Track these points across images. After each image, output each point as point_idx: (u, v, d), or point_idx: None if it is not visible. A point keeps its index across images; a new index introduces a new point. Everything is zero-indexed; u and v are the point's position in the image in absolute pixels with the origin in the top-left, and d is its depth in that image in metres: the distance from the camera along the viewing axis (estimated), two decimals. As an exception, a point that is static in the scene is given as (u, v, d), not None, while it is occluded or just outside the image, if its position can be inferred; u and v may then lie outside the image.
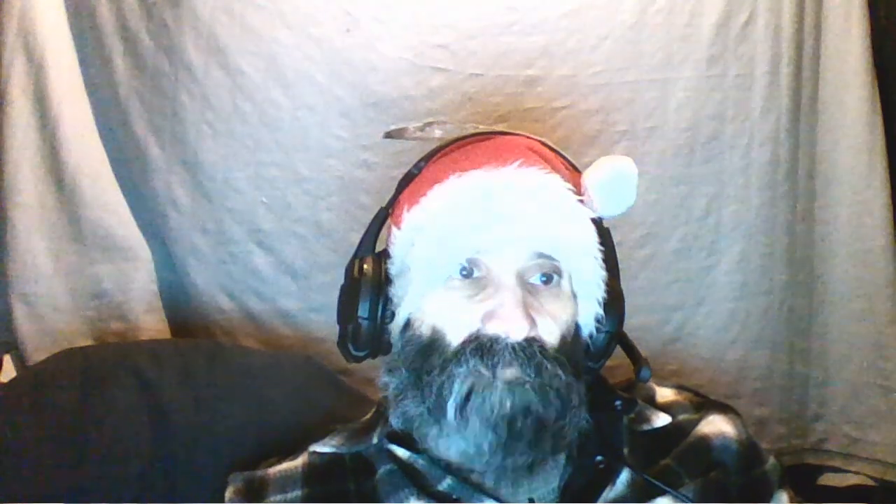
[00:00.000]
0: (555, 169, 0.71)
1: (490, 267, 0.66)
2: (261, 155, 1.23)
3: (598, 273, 0.70)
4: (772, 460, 0.77)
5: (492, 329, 0.64)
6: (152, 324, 1.21)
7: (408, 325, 0.70)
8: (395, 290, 0.71)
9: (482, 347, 0.64)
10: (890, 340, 1.29)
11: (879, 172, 1.29)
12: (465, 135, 0.75)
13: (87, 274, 1.18)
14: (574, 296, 0.70)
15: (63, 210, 1.17)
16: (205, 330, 1.24)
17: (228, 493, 0.75)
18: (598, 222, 0.72)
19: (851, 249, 1.31)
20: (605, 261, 0.72)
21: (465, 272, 0.67)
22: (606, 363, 0.74)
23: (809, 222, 1.33)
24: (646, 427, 0.74)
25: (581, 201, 0.69)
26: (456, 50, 1.23)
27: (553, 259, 0.67)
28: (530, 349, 0.64)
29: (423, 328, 0.68)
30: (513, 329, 0.63)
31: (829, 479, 1.34)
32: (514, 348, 0.63)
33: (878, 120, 1.29)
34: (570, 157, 0.77)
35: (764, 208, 1.30)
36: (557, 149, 0.76)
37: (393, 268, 0.72)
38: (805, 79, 1.30)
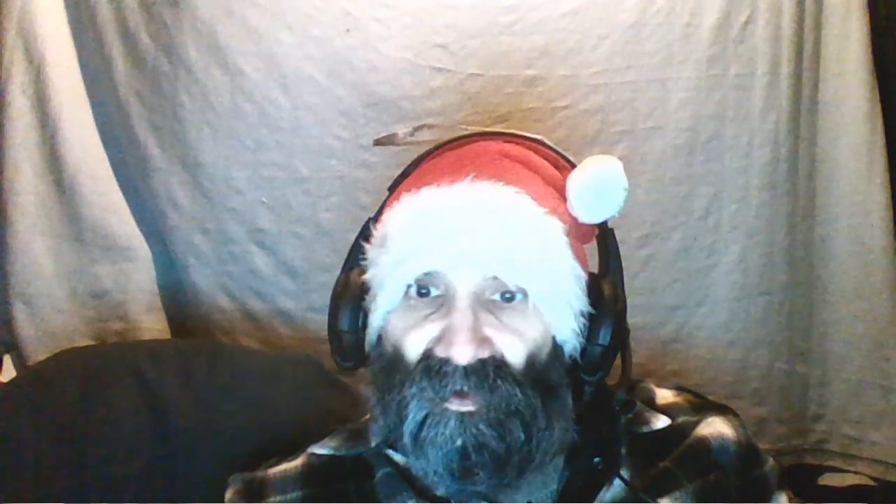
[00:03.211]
0: (522, 178, 0.67)
1: (447, 285, 0.64)
2: (261, 155, 1.23)
3: (569, 288, 0.65)
4: (771, 462, 0.76)
5: (441, 351, 0.62)
6: (152, 324, 1.21)
7: (379, 340, 0.68)
8: (368, 304, 0.69)
9: (431, 369, 0.62)
10: (890, 340, 1.30)
11: (879, 172, 1.29)
12: (448, 139, 0.73)
13: (87, 274, 1.18)
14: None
15: (63, 210, 1.17)
16: (205, 330, 1.24)
17: (228, 495, 0.75)
18: (602, 225, 0.70)
19: (851, 249, 1.31)
20: (608, 264, 0.70)
21: (423, 290, 0.65)
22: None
23: (809, 222, 1.33)
24: (645, 429, 0.73)
25: (547, 213, 0.65)
26: (456, 50, 1.23)
27: (506, 283, 0.63)
28: (483, 370, 0.61)
29: (388, 346, 0.66)
30: (456, 353, 0.60)
31: (829, 479, 1.34)
32: (465, 370, 0.61)
33: (878, 120, 1.28)
34: (568, 156, 0.74)
35: (764, 208, 1.30)
36: (552, 147, 0.74)
37: (368, 281, 0.70)
38: (805, 79, 1.30)
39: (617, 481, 0.68)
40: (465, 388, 0.61)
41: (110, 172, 1.21)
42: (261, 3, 1.20)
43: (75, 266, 1.18)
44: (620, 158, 1.26)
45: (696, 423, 0.74)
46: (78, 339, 1.16)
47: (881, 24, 1.30)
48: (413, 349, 0.64)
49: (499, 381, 0.61)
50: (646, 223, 1.29)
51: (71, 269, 1.18)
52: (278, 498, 0.72)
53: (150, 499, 0.88)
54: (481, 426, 0.61)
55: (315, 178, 1.24)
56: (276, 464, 0.76)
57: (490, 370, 0.61)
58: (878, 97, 1.28)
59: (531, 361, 0.63)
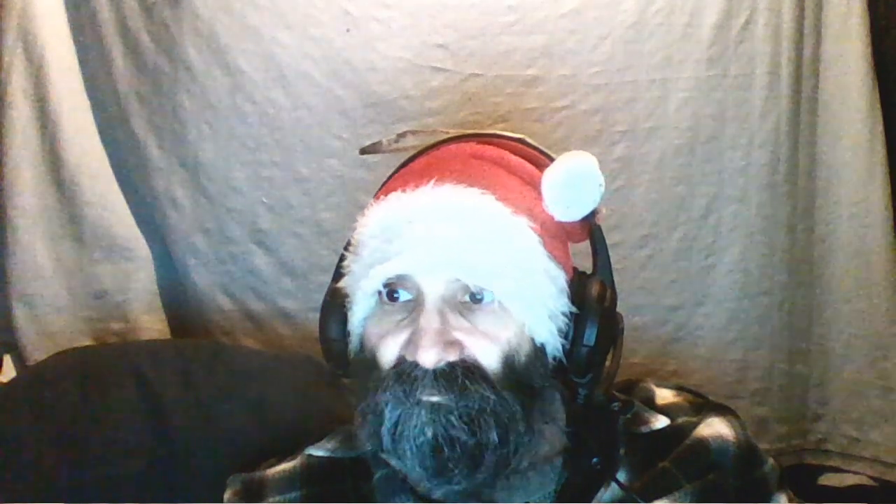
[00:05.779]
0: (491, 178, 0.66)
1: (417, 289, 0.63)
2: (261, 155, 1.23)
3: (542, 288, 0.64)
4: (770, 462, 0.76)
5: (410, 356, 0.62)
6: (152, 324, 1.21)
7: (361, 346, 0.68)
8: (347, 311, 0.69)
9: (402, 373, 0.62)
10: (890, 340, 1.30)
11: (879, 172, 1.29)
12: (428, 145, 0.73)
13: (87, 274, 1.18)
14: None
15: (63, 210, 1.18)
16: (205, 330, 1.24)
17: (227, 495, 0.75)
18: (589, 222, 0.69)
19: (851, 249, 1.31)
20: (596, 263, 0.69)
21: (395, 295, 0.64)
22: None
23: (809, 222, 1.33)
24: (644, 429, 0.73)
25: (515, 213, 0.64)
26: (456, 50, 1.23)
27: (470, 285, 0.63)
28: (451, 373, 0.61)
29: (367, 352, 0.66)
30: (422, 356, 0.60)
31: (829, 479, 1.34)
32: (435, 374, 0.60)
33: (878, 120, 1.28)
34: (550, 154, 0.71)
35: (764, 208, 1.30)
36: (534, 146, 0.72)
37: (345, 289, 0.70)
38: (805, 79, 1.30)
39: (614, 483, 0.68)
40: (436, 391, 0.61)
41: (110, 172, 1.21)
42: (261, 3, 1.20)
43: (75, 266, 1.18)
44: (620, 158, 1.30)
45: (696, 424, 0.74)
46: (78, 339, 1.16)
47: (881, 24, 1.30)
48: (387, 356, 0.64)
49: (468, 384, 0.61)
50: (646, 223, 1.29)
51: (71, 269, 1.18)
52: (277, 498, 0.72)
53: (149, 499, 0.88)
54: (452, 417, 0.60)
55: (315, 178, 1.24)
56: (275, 464, 0.76)
57: (458, 373, 0.61)
58: (878, 97, 1.28)
59: (508, 363, 0.63)
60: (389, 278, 0.64)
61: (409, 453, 0.61)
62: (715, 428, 0.73)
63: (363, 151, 0.81)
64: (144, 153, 1.21)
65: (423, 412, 0.61)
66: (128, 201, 1.22)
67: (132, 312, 1.20)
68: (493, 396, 0.61)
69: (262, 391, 0.98)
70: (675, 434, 0.73)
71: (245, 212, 1.24)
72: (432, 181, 0.65)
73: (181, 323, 1.25)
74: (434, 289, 0.63)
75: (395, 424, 0.62)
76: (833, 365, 1.33)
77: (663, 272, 1.30)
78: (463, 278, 0.62)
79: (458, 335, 0.62)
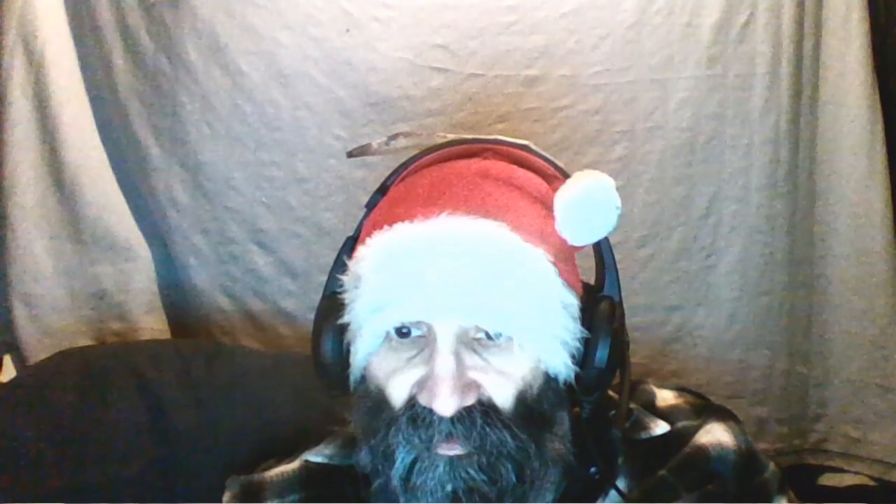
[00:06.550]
0: (503, 203, 0.63)
1: (429, 327, 0.61)
2: (261, 155, 1.23)
3: (558, 321, 0.62)
4: (771, 466, 0.75)
5: (424, 400, 0.59)
6: (152, 324, 1.21)
7: (363, 378, 0.66)
8: (349, 340, 0.66)
9: (417, 418, 0.59)
10: (890, 340, 1.29)
11: (879, 172, 1.28)
12: (425, 150, 0.70)
13: (87, 274, 1.18)
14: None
15: (63, 210, 1.18)
16: (205, 330, 1.25)
17: (226, 497, 0.75)
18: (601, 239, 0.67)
19: (851, 249, 1.31)
20: (603, 277, 0.67)
21: (405, 331, 0.62)
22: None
23: (809, 222, 1.33)
24: (643, 435, 0.72)
25: (530, 244, 0.61)
26: (456, 50, 1.23)
27: (489, 329, 0.60)
28: (469, 418, 0.59)
29: (371, 386, 0.64)
30: (439, 405, 0.58)
31: (829, 479, 1.34)
32: (451, 420, 0.58)
33: (879, 120, 1.28)
34: (556, 163, 0.69)
35: (764, 208, 1.30)
36: (539, 154, 0.69)
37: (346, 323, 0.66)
38: (805, 79, 1.30)
39: (614, 491, 0.68)
40: (453, 434, 0.59)
41: (110, 172, 1.21)
42: (261, 3, 1.20)
43: (75, 266, 1.18)
44: (620, 158, 1.30)
45: (696, 429, 0.73)
46: (78, 339, 1.16)
47: (881, 24, 1.30)
48: (397, 395, 0.61)
49: (487, 429, 0.59)
50: (646, 223, 1.29)
51: (71, 269, 1.18)
52: (276, 501, 0.72)
53: (149, 499, 0.88)
54: (471, 470, 0.59)
55: (315, 178, 1.24)
56: (274, 465, 0.76)
57: (477, 417, 0.59)
58: (878, 97, 1.28)
59: (521, 399, 0.61)
60: (404, 320, 0.61)
61: (422, 501, 0.60)
62: (714, 435, 0.73)
63: (350, 154, 0.78)
64: (144, 153, 1.21)
65: (441, 466, 0.59)
66: (128, 201, 1.22)
67: (132, 312, 1.20)
68: (511, 441, 0.60)
69: (262, 391, 0.98)
70: (675, 440, 0.73)
71: (245, 212, 1.24)
72: (443, 213, 0.61)
73: (181, 323, 1.25)
74: (448, 330, 0.60)
75: (409, 470, 0.60)
76: (833, 365, 1.33)
77: (663, 272, 1.30)
78: (480, 324, 0.60)
79: (473, 375, 0.60)
